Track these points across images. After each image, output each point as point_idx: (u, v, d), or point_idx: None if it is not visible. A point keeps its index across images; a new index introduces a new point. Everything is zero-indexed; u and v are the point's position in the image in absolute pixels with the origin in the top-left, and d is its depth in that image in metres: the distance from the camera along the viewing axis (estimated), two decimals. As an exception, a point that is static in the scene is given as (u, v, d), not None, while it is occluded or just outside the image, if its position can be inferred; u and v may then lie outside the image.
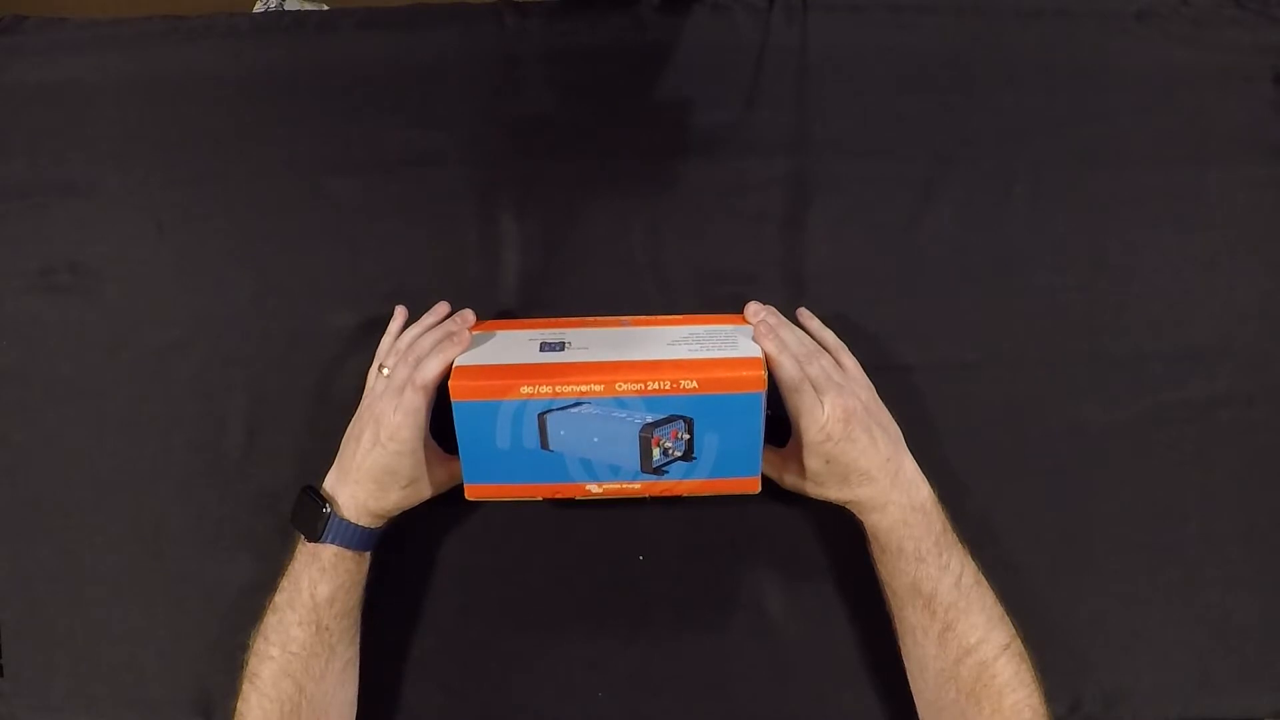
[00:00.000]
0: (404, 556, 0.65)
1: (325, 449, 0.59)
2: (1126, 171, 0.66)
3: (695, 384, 0.52)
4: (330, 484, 0.58)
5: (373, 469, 0.56)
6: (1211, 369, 0.66)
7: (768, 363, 0.55)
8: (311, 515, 0.56)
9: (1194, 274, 0.66)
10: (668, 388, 0.52)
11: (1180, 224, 0.66)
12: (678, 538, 0.65)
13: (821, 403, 0.54)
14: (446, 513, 0.64)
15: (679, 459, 0.54)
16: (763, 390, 0.53)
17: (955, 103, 0.66)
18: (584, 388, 0.52)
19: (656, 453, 0.53)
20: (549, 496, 0.56)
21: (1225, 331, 0.66)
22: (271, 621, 0.57)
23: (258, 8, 1.21)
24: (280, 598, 0.57)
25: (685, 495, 0.55)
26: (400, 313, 0.64)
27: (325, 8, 0.95)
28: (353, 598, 0.58)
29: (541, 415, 0.53)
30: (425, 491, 0.58)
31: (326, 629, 0.56)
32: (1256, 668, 0.65)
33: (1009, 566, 0.62)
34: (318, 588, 0.56)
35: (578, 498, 0.56)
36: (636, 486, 0.55)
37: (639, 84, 0.66)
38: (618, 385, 0.52)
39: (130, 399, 0.66)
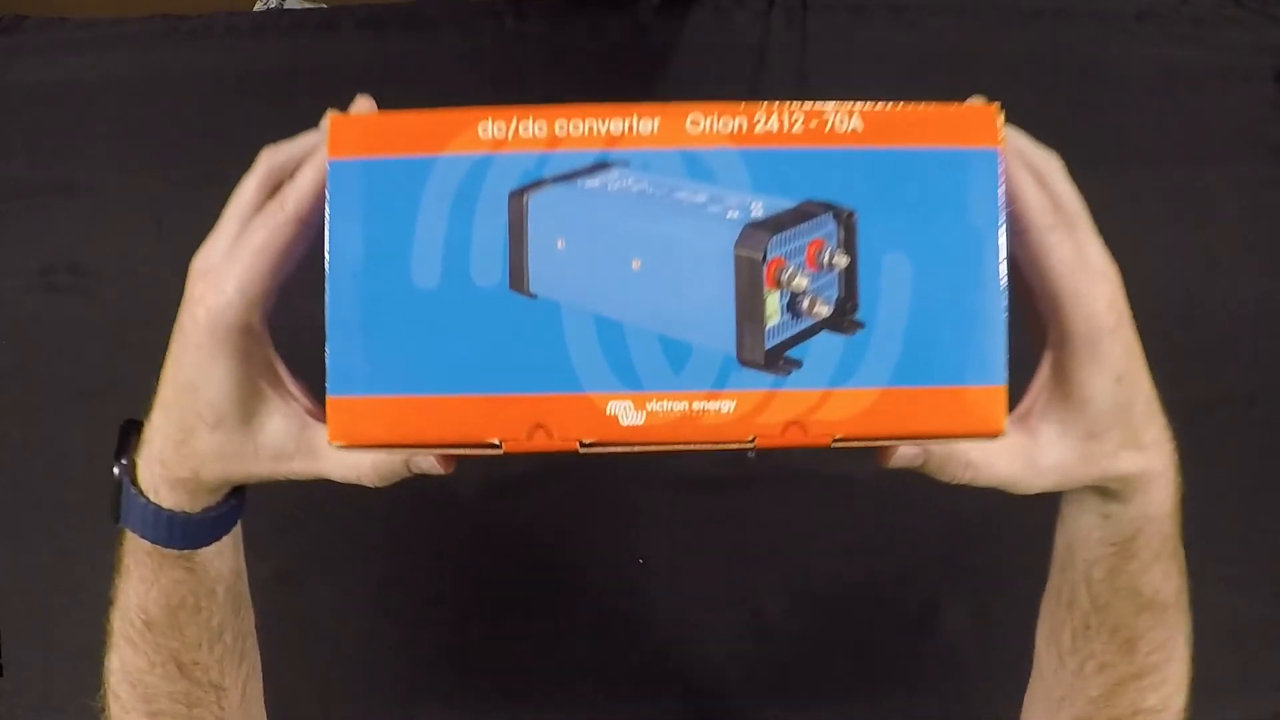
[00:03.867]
0: (400, 560, 0.65)
1: (325, 449, 0.59)
2: (1126, 171, 0.66)
3: (860, 125, 0.30)
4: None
5: (171, 384, 0.35)
6: (1211, 369, 0.66)
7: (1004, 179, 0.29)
8: (113, 480, 0.37)
9: (1194, 274, 0.66)
10: (800, 131, 0.29)
11: (1180, 224, 0.66)
12: (677, 538, 0.65)
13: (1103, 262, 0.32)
14: (445, 512, 0.64)
15: (824, 323, 0.27)
16: (1000, 146, 0.30)
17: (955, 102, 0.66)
18: (619, 128, 0.28)
19: (772, 302, 0.26)
20: (522, 449, 0.26)
21: (1225, 331, 0.66)
22: (114, 666, 0.39)
23: (258, 7, 1.21)
24: (115, 620, 0.39)
25: (860, 445, 0.27)
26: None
27: (325, 6, 0.95)
28: (207, 617, 0.37)
29: (519, 193, 0.27)
30: (250, 448, 0.34)
31: (194, 665, 0.37)
32: (1256, 668, 0.65)
33: (1010, 566, 0.62)
34: (146, 603, 0.38)
35: (585, 443, 0.26)
36: (729, 406, 0.26)
37: (639, 85, 0.66)
38: (689, 120, 0.29)
39: (130, 399, 0.66)
